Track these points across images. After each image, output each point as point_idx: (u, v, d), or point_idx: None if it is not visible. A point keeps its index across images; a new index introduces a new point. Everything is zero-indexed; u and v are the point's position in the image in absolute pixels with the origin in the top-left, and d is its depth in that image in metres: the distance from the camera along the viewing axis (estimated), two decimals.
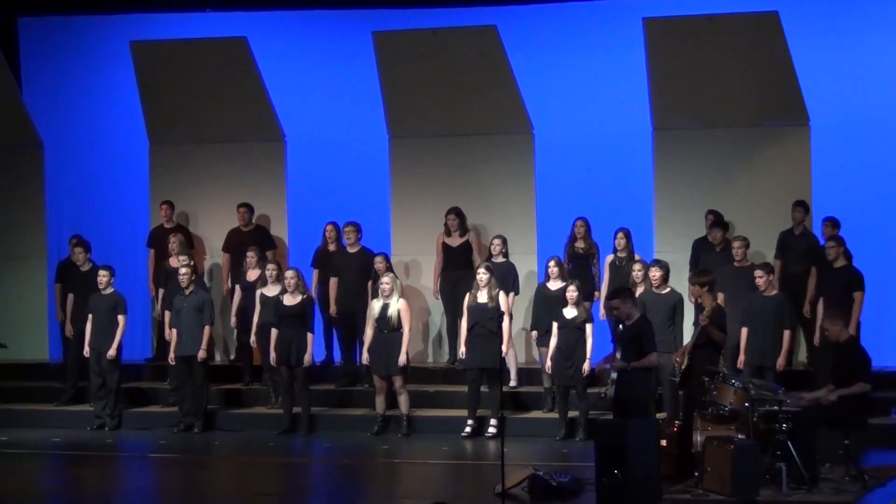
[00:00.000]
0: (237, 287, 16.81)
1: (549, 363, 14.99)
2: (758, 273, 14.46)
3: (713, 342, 13.22)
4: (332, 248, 16.87)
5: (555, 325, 14.95)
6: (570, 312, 14.91)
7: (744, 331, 14.42)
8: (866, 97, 16.86)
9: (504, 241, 16.18)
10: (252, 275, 16.63)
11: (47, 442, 15.53)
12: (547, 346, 15.36)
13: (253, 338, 16.19)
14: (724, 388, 12.48)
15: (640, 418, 12.59)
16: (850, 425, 12.43)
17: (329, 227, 16.94)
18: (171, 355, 15.96)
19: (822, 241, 15.65)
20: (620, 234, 16.00)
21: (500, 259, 16.09)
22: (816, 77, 16.57)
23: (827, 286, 14.76)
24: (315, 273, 16.98)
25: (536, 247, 17.08)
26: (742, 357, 14.40)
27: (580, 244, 16.35)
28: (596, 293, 15.94)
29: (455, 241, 16.77)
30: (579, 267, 15.94)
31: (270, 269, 16.04)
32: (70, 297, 16.86)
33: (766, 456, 12.00)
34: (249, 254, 16.69)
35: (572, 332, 14.81)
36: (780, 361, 14.39)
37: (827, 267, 14.83)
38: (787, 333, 14.44)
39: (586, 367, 14.70)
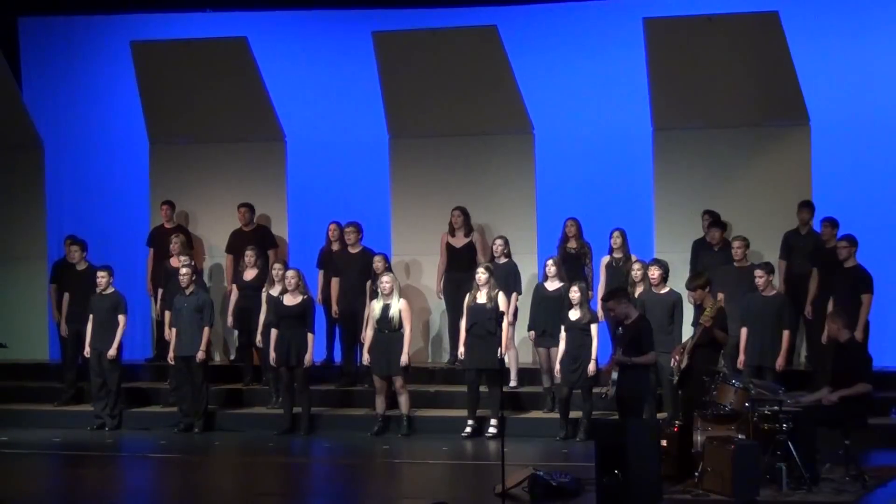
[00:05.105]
0: (234, 286, 16.83)
1: (558, 367, 14.95)
2: (758, 273, 14.45)
3: (714, 342, 13.22)
4: (335, 247, 16.87)
5: (562, 328, 14.91)
6: (574, 314, 14.88)
7: (743, 331, 14.41)
8: (866, 97, 16.87)
9: (506, 242, 16.17)
10: (249, 274, 16.66)
11: (47, 442, 15.52)
12: (545, 346, 15.37)
13: (259, 337, 16.18)
14: (724, 388, 12.48)
15: (637, 417, 12.64)
16: (851, 425, 12.42)
17: (332, 227, 16.94)
18: (171, 355, 15.97)
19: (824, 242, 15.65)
20: (616, 234, 15.99)
21: (503, 260, 16.08)
22: (816, 77, 16.58)
23: (835, 286, 14.70)
24: (320, 274, 16.99)
25: (536, 247, 17.08)
26: (741, 357, 14.40)
27: (572, 244, 16.35)
28: (590, 293, 15.90)
29: (459, 241, 16.77)
30: (572, 267, 15.92)
31: (276, 269, 16.04)
32: (66, 296, 16.86)
33: (766, 456, 11.99)
34: (248, 252, 16.71)
35: (577, 333, 14.79)
36: (780, 361, 14.37)
37: (837, 266, 14.77)
38: (786, 333, 14.42)
39: (591, 367, 14.69)
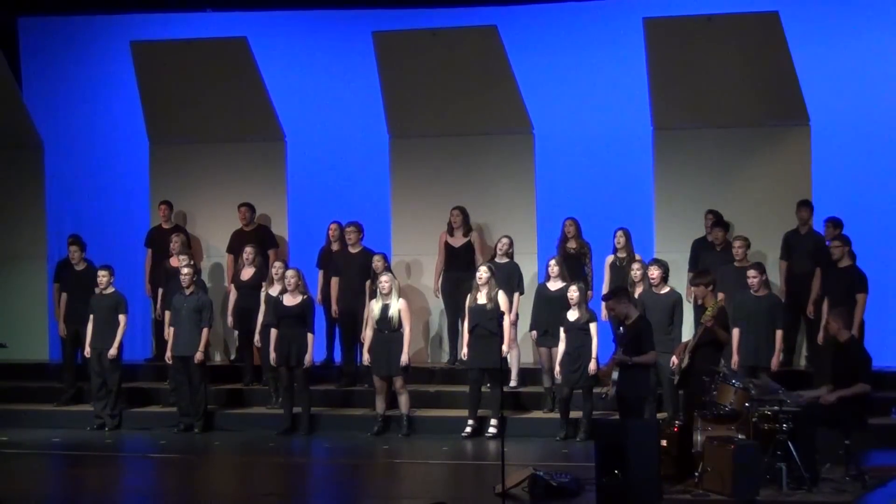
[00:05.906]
0: (232, 286, 16.84)
1: (558, 368, 14.95)
2: (750, 273, 14.39)
3: (715, 342, 13.21)
4: (335, 247, 16.87)
5: (562, 329, 14.91)
6: (572, 315, 14.89)
7: (735, 331, 14.34)
8: (866, 97, 16.88)
9: (511, 242, 16.17)
10: (247, 273, 16.66)
11: (47, 442, 15.52)
12: (546, 346, 15.38)
13: (257, 337, 16.18)
14: (724, 388, 12.48)
15: (637, 417, 12.65)
16: (850, 425, 12.42)
17: (333, 227, 16.94)
18: (168, 354, 15.96)
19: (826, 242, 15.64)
20: (620, 234, 15.99)
21: (504, 259, 16.08)
22: (816, 77, 16.58)
23: (830, 286, 14.73)
24: (320, 274, 16.99)
25: (536, 247, 17.08)
26: (735, 357, 14.32)
27: (571, 244, 16.35)
28: (589, 293, 15.88)
29: (458, 240, 16.78)
30: (572, 267, 15.92)
31: (277, 268, 16.04)
32: (64, 296, 16.86)
33: (766, 456, 11.99)
34: (247, 249, 16.71)
35: (577, 333, 14.80)
36: (774, 361, 14.34)
37: (831, 266, 14.81)
38: (779, 333, 14.36)
39: (592, 366, 14.69)
